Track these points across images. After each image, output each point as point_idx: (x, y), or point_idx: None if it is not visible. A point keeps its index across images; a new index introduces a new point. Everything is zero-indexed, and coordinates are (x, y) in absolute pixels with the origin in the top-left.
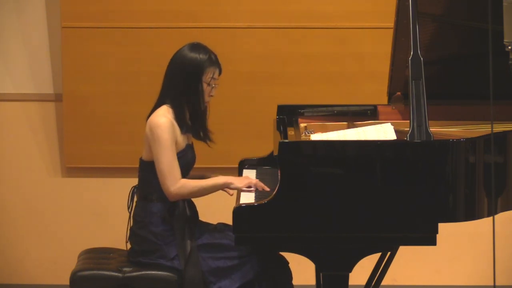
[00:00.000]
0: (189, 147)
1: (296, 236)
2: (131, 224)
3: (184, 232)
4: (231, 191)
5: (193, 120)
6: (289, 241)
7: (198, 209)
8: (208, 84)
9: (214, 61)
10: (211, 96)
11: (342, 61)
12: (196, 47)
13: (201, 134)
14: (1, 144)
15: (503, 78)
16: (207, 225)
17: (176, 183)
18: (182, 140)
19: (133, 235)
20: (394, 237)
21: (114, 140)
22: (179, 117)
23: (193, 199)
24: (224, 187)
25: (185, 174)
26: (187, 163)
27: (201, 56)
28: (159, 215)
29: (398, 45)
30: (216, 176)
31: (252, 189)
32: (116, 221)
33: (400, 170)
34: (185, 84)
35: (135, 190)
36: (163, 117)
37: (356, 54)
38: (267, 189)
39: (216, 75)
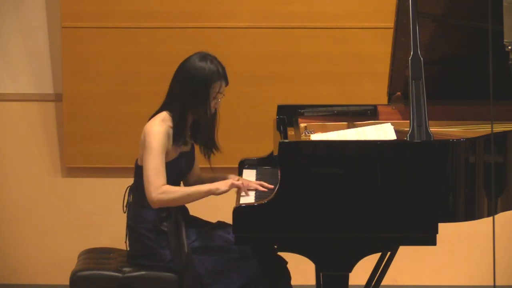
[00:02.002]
0: (183, 155)
1: (296, 236)
2: (127, 226)
3: (178, 236)
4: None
5: (196, 130)
6: (289, 241)
7: (198, 209)
8: (214, 98)
9: (221, 74)
10: (215, 108)
11: (342, 61)
12: (205, 58)
13: (210, 146)
14: (1, 144)
15: (503, 78)
16: (204, 225)
17: (158, 189)
18: (174, 150)
19: (129, 238)
20: (394, 237)
21: (114, 140)
22: (177, 127)
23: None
24: (209, 194)
25: (177, 181)
26: (180, 171)
27: (210, 69)
28: (151, 220)
29: (398, 45)
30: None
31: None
32: (116, 221)
33: (400, 170)
34: (191, 95)
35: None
36: (158, 125)
37: (356, 54)
38: (261, 188)
39: (222, 89)
